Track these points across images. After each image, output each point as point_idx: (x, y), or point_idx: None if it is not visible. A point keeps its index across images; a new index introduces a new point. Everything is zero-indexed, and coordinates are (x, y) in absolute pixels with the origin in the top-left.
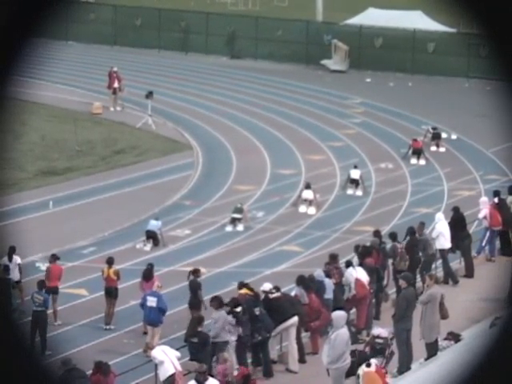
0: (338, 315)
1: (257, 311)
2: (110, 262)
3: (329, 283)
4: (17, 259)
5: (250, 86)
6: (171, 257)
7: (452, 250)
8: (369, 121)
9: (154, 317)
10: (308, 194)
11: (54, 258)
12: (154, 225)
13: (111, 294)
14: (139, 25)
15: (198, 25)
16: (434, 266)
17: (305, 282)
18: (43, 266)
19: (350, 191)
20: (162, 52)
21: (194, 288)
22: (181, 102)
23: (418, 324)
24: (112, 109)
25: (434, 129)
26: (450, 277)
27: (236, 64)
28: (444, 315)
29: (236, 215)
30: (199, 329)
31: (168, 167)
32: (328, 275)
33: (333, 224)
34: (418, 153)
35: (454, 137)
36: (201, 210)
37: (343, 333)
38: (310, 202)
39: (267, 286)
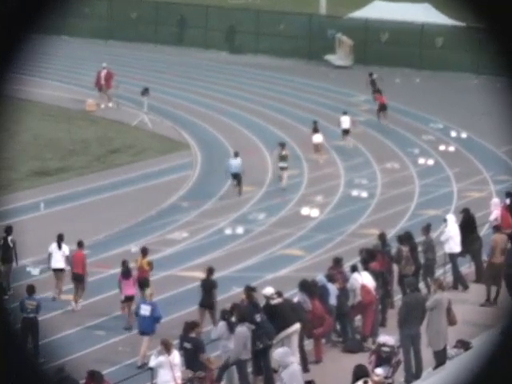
0: (282, 353)
1: (258, 318)
2: (144, 251)
3: (332, 288)
4: (65, 251)
5: (251, 83)
6: (168, 261)
7: (462, 253)
8: (374, 119)
9: (147, 326)
10: (317, 138)
11: (79, 244)
12: (236, 166)
13: (141, 284)
14: (135, 18)
15: (196, 18)
16: (443, 270)
17: (308, 287)
18: (34, 271)
19: (352, 193)
20: (159, 47)
21: (209, 287)
22: (178, 99)
23: (425, 331)
24: (103, 106)
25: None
26: (459, 282)
27: (236, 59)
28: (452, 321)
29: (282, 164)
30: (193, 334)
31: (165, 167)
32: (331, 280)
33: (337, 226)
34: (384, 109)
35: (463, 135)
36: (199, 211)
37: (295, 369)
38: (319, 148)
39: (269, 291)
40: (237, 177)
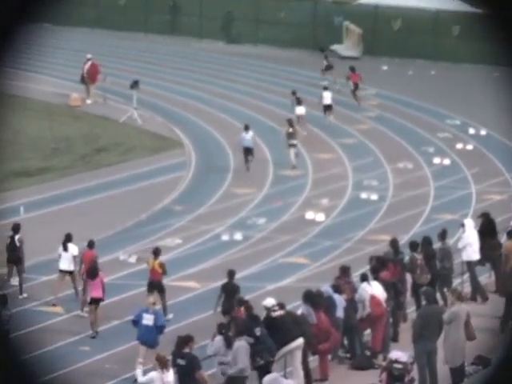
0: (269, 381)
1: (257, 332)
2: (156, 252)
3: (339, 300)
4: (74, 251)
5: (250, 75)
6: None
7: (481, 261)
8: (385, 114)
9: (150, 336)
10: (300, 110)
11: (90, 244)
12: (248, 140)
13: (154, 288)
14: (123, 5)
15: (190, 5)
16: (460, 280)
17: (313, 298)
18: (14, 281)
19: (361, 195)
20: (150, 36)
21: (231, 291)
22: (171, 92)
23: (441, 346)
24: (89, 101)
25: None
26: (478, 293)
27: (233, 50)
28: (470, 336)
29: (291, 141)
30: (187, 350)
31: (156, 167)
32: (337, 290)
33: (344, 232)
34: (357, 88)
35: (482, 132)
36: (194, 216)
37: None
38: (300, 120)
39: (270, 302)
40: (249, 151)
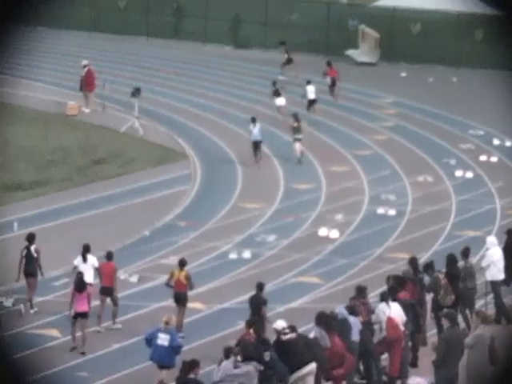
0: None
1: (267, 356)
2: (182, 263)
3: (354, 322)
4: (94, 262)
5: (258, 82)
6: (163, 290)
7: (506, 281)
8: (403, 124)
9: (166, 357)
10: (281, 101)
11: (108, 256)
12: (257, 133)
13: (180, 300)
14: (123, 7)
15: (195, 6)
16: (484, 301)
17: (326, 320)
18: (7, 302)
19: (378, 210)
20: (152, 40)
21: (257, 304)
22: (174, 100)
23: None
24: (87, 110)
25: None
26: (503, 314)
27: (241, 55)
28: (495, 361)
29: (296, 136)
30: (192, 375)
31: (159, 180)
32: (353, 312)
33: (360, 250)
34: (335, 83)
35: (507, 144)
36: (199, 232)
37: None
38: (281, 110)
39: (280, 325)
40: (258, 144)
